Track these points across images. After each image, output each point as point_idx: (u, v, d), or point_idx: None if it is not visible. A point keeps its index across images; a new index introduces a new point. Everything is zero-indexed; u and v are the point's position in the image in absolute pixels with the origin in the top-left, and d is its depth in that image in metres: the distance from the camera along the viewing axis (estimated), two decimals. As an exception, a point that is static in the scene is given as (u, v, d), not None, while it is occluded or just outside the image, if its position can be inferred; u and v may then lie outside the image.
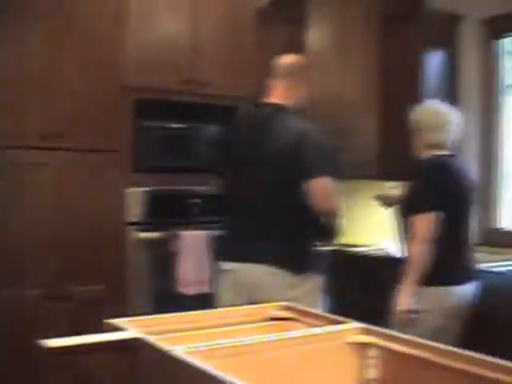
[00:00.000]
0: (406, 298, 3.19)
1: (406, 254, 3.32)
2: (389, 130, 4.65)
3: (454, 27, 4.80)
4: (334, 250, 4.77)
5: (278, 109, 3.05)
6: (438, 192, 3.27)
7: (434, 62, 4.71)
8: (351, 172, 4.87)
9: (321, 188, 2.92)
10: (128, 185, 3.94)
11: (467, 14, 4.72)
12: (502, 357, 1.54)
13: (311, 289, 2.94)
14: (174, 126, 4.06)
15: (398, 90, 4.69)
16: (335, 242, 3.24)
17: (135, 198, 3.95)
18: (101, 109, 3.97)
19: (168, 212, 4.03)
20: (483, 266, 3.98)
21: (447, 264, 3.26)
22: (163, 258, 3.90)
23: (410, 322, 3.15)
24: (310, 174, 2.90)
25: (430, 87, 4.61)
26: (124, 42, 3.95)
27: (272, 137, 2.98)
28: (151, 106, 3.95)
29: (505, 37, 4.77)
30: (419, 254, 3.21)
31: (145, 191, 3.98)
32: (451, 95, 4.74)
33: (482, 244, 4.62)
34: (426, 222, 3.22)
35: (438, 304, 3.21)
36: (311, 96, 3.24)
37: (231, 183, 3.14)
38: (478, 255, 4.42)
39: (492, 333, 3.59)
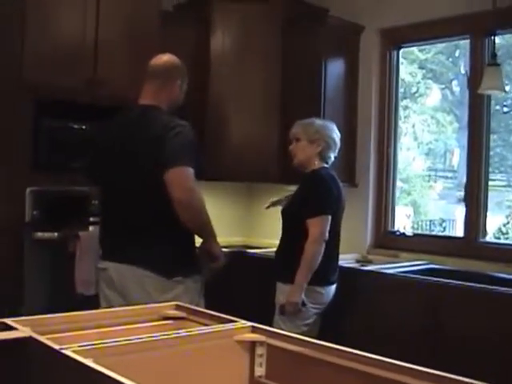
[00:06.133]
0: (298, 292, 3.46)
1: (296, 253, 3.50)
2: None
3: (355, 36, 4.95)
4: (235, 252, 4.83)
5: (148, 109, 2.98)
6: (331, 199, 3.61)
7: (334, 68, 4.84)
8: (254, 175, 4.98)
9: (178, 177, 2.76)
10: (26, 184, 3.87)
11: (368, 24, 4.88)
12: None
13: (184, 292, 2.83)
14: (75, 126, 4.02)
15: (299, 94, 4.80)
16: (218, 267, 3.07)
17: (33, 198, 3.87)
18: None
19: (66, 212, 3.99)
20: (376, 267, 4.15)
21: (330, 265, 3.64)
22: (61, 259, 3.86)
23: (297, 313, 3.49)
24: (169, 163, 2.75)
25: (329, 93, 4.73)
26: (25, 41, 3.84)
27: (137, 136, 2.90)
28: (52, 106, 3.87)
29: (403, 47, 4.98)
30: (315, 253, 3.47)
31: (43, 190, 3.90)
32: (350, 101, 4.90)
33: (376, 246, 4.81)
34: (322, 224, 3.50)
35: (319, 301, 3.59)
36: (188, 94, 3.18)
37: (104, 184, 3.06)
38: (372, 257, 4.61)
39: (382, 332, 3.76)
